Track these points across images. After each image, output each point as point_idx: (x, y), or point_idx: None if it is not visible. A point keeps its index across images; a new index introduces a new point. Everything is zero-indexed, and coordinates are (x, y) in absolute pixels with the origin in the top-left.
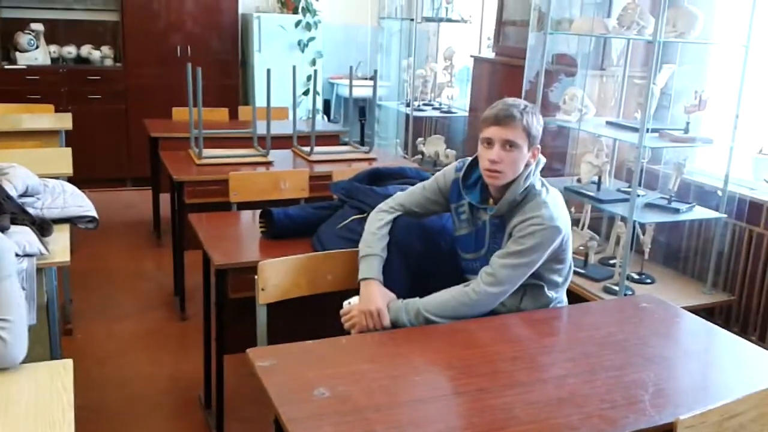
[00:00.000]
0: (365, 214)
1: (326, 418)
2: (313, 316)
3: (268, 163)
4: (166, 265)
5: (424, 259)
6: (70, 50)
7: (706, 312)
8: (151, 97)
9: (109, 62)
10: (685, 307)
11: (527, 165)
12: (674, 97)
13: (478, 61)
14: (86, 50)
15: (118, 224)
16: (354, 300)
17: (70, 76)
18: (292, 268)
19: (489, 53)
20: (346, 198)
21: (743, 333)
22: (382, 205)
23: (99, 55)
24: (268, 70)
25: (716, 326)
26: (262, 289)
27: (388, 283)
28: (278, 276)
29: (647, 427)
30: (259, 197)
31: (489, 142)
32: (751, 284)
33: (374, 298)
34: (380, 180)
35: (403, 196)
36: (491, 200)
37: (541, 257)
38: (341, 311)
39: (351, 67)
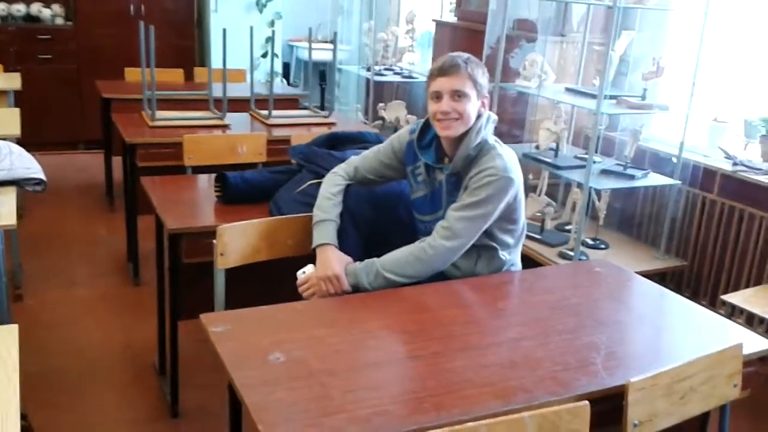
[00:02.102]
0: (323, 179)
1: (281, 383)
2: (269, 282)
3: (225, 126)
4: (119, 230)
5: (379, 226)
6: (19, 8)
7: (659, 277)
8: (103, 58)
9: (59, 21)
10: (638, 272)
11: (479, 117)
12: (632, 64)
13: (440, 25)
14: (36, 8)
15: (70, 188)
16: (308, 269)
17: (20, 35)
18: (251, 233)
19: (451, 17)
20: (304, 162)
21: (694, 298)
22: (336, 169)
23: (49, 13)
24: (224, 30)
25: (668, 290)
26: (221, 254)
27: (343, 251)
28: (238, 241)
29: (599, 389)
30: (215, 161)
31: (438, 96)
32: (703, 250)
33: (331, 263)
34: (339, 144)
35: (357, 161)
36: (446, 159)
37: (495, 209)
38: (297, 282)
39: (310, 29)
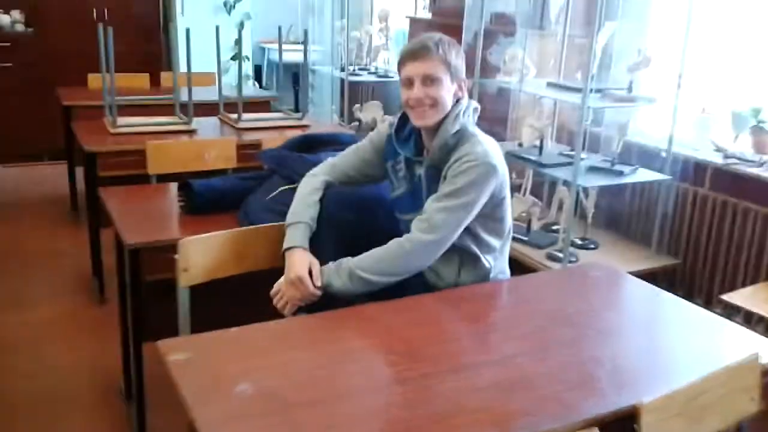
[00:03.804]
0: (296, 185)
1: (249, 420)
2: (243, 299)
3: (191, 132)
4: (84, 245)
5: (360, 230)
6: None
7: (651, 277)
8: (67, 65)
9: (20, 27)
10: (630, 273)
11: (457, 102)
12: (615, 56)
13: (414, 22)
14: None
15: (33, 202)
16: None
17: None
18: (217, 245)
19: (425, 14)
20: (275, 167)
21: (689, 297)
22: (314, 170)
23: (9, 19)
24: (187, 30)
25: (671, 294)
26: (185, 270)
27: (322, 260)
28: (202, 254)
29: (608, 412)
30: (181, 168)
31: (409, 82)
32: (696, 247)
33: (294, 265)
34: (312, 147)
35: (336, 159)
36: (426, 152)
37: (477, 199)
38: (271, 292)
39: (279, 28)
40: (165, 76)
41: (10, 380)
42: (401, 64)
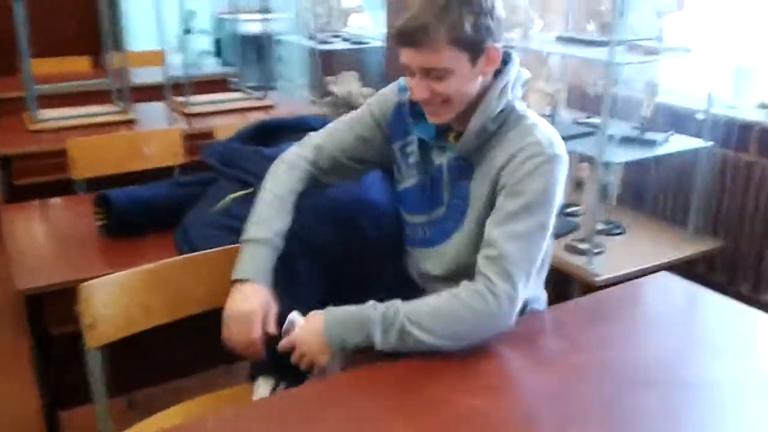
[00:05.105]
0: (250, 190)
1: None
2: (183, 347)
3: (130, 122)
4: None
5: (341, 249)
6: None
7: (690, 263)
8: (3, 50)
9: None
10: (666, 262)
11: (498, 74)
12: (631, 3)
13: None
14: None
15: None
16: (299, 321)
17: None
18: (135, 286)
19: None
20: (222, 167)
21: (732, 283)
22: (289, 153)
23: None
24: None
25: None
26: (90, 326)
27: (296, 299)
28: (115, 301)
29: None
30: (116, 170)
31: (409, 71)
32: (740, 223)
33: (243, 298)
34: (272, 137)
35: (320, 137)
36: (452, 135)
37: (552, 207)
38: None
39: None
40: (109, 58)
41: None
42: (396, 42)
